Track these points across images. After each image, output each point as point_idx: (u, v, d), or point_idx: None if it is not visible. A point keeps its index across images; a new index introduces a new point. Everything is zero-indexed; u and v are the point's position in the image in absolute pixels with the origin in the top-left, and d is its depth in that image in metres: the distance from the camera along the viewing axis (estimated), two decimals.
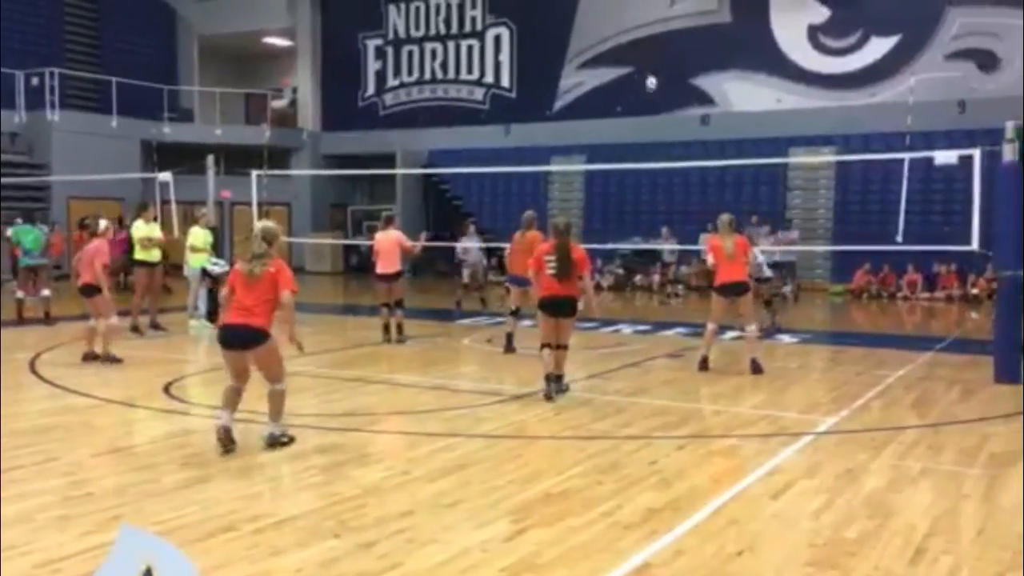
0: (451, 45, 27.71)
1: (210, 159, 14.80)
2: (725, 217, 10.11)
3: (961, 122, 20.15)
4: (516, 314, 11.61)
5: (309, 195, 28.53)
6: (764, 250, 14.02)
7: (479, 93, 27.40)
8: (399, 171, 26.30)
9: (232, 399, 6.68)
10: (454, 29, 27.56)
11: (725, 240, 9.90)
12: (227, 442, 6.48)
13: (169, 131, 26.35)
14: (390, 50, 28.67)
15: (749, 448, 6.89)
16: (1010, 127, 9.27)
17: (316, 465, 6.24)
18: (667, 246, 21.30)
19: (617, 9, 25.05)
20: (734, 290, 9.88)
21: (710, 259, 10.12)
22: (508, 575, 4.36)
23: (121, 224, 21.93)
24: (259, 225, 7.01)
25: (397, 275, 12.46)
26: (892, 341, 12.34)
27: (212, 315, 14.05)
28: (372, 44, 28.90)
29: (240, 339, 6.58)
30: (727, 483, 5.90)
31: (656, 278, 22.25)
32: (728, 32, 23.64)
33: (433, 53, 27.97)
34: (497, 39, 27.00)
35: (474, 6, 27.27)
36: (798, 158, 22.20)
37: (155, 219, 13.90)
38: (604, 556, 4.63)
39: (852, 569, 4.45)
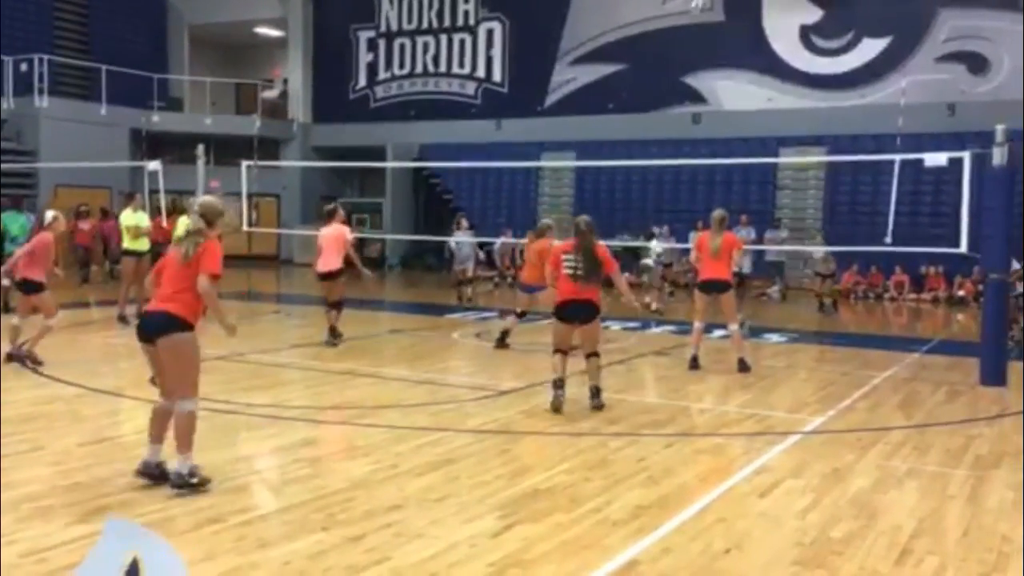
0: (443, 39, 27.63)
1: (200, 148, 14.72)
2: (717, 214, 10.08)
3: (951, 125, 20.23)
4: (522, 316, 11.41)
5: (298, 187, 28.44)
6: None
7: (471, 87, 27.36)
8: (389, 164, 26.24)
9: (157, 425, 5.50)
10: (446, 23, 27.48)
11: (713, 237, 9.90)
12: (151, 481, 5.34)
13: (158, 120, 26.21)
14: (382, 42, 28.57)
15: (736, 447, 6.91)
16: (1000, 131, 9.31)
17: (303, 458, 6.23)
18: (655, 244, 21.31)
19: (610, 6, 25.03)
20: (716, 287, 9.91)
21: (694, 255, 10.17)
22: (496, 570, 4.37)
23: (105, 214, 21.87)
24: (200, 199, 5.92)
25: (337, 273, 11.33)
26: (878, 342, 12.40)
27: None
28: (364, 36, 28.80)
29: (151, 327, 5.45)
30: (714, 481, 5.93)
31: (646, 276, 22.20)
32: (721, 31, 23.65)
33: (425, 46, 27.89)
34: (490, 33, 26.95)
35: (467, 0, 27.22)
36: (788, 158, 22.26)
37: (143, 208, 13.84)
38: (591, 553, 4.64)
39: (838, 569, 4.48)
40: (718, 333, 12.05)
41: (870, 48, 22.25)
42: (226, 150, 23.72)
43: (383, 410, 7.87)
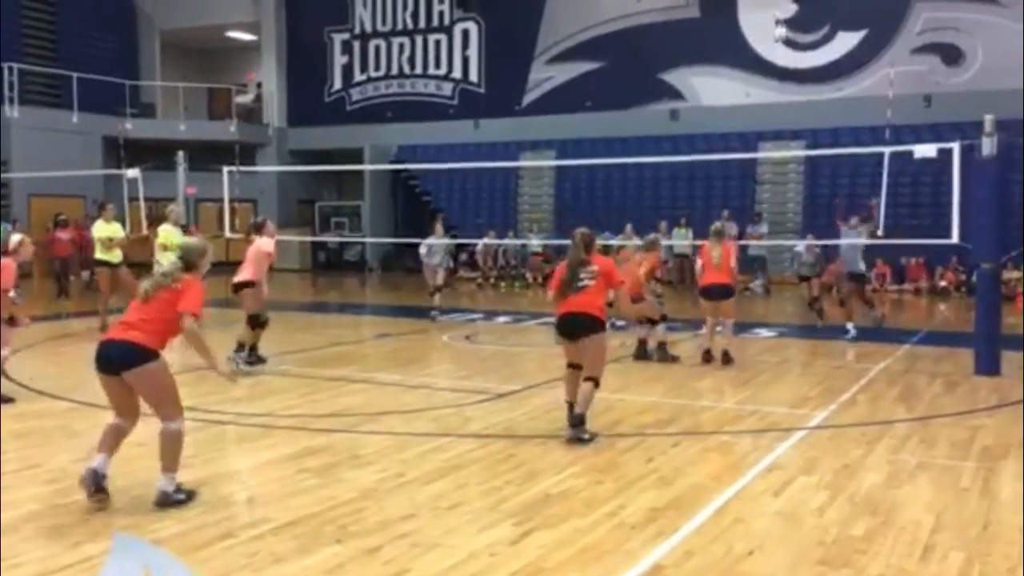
0: (419, 39, 27.49)
1: (180, 155, 14.51)
2: (715, 227, 10.71)
3: (927, 116, 20.39)
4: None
5: (276, 191, 28.12)
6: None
7: (447, 88, 27.23)
8: (367, 167, 26.06)
9: (108, 440, 5.34)
10: (421, 23, 27.34)
11: (713, 248, 10.45)
12: (94, 491, 5.18)
13: (131, 127, 25.85)
14: (357, 44, 28.38)
15: (743, 444, 6.86)
16: (989, 120, 9.34)
17: (308, 468, 6.10)
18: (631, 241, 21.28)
19: (586, 4, 25.02)
20: (718, 292, 10.38)
21: (698, 264, 10.83)
22: None
23: (73, 224, 21.50)
24: (186, 241, 6.10)
25: (244, 285, 10.03)
26: (867, 334, 12.39)
27: None
28: (338, 38, 28.59)
29: (114, 359, 5.25)
30: (727, 481, 5.87)
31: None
32: (697, 27, 23.69)
33: (400, 47, 27.73)
34: (465, 34, 26.84)
35: (441, 1, 27.08)
36: (767, 152, 22.32)
37: (116, 219, 13.63)
38: (614, 558, 4.56)
39: (864, 567, 4.43)
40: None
41: (846, 41, 22.37)
42: (200, 156, 23.45)
43: (382, 416, 7.75)
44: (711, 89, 23.71)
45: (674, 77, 24.20)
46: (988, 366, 9.41)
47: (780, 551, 4.66)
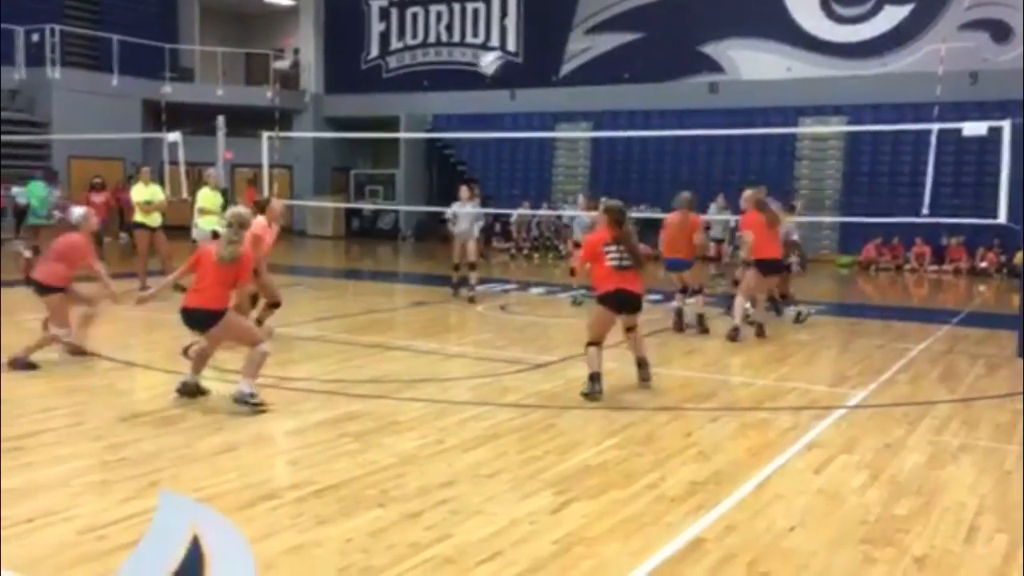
0: (456, 8, 27.32)
1: (220, 120, 14.57)
2: (754, 194, 10.50)
3: (973, 93, 19.99)
4: (685, 292, 10.96)
5: (311, 158, 28.27)
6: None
7: (480, 61, 27.02)
8: (402, 135, 26.04)
9: (201, 361, 6.99)
10: None
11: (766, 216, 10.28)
12: (190, 395, 6.82)
13: (170, 91, 25.97)
14: (394, 11, 28.26)
15: (783, 421, 6.82)
16: None
17: (349, 433, 6.15)
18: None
19: None
20: (773, 267, 10.32)
21: (749, 235, 10.24)
22: (560, 548, 4.30)
23: (111, 188, 21.70)
24: (232, 211, 7.05)
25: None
26: (907, 314, 12.27)
27: None
28: (376, 5, 28.49)
29: (197, 324, 6.78)
30: (767, 457, 5.84)
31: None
32: None
33: (438, 15, 27.58)
34: (504, 2, 26.62)
35: None
36: (807, 128, 22.01)
37: (154, 181, 13.75)
38: (654, 530, 4.57)
39: (908, 547, 4.40)
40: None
41: (892, 15, 21.94)
42: (237, 121, 23.53)
43: (420, 384, 7.80)
44: (751, 63, 23.38)
45: (714, 50, 23.89)
46: None
47: (822, 528, 4.65)
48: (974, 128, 9.74)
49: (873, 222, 18.88)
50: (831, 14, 22.64)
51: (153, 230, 13.29)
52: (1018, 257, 16.85)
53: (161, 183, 14.64)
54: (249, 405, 6.54)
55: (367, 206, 27.54)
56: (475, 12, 27.05)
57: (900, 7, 21.83)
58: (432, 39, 27.80)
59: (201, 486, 5.00)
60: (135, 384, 7.61)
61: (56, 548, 4.11)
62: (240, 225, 6.85)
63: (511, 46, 26.69)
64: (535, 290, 15.52)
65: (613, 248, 7.50)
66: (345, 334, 10.26)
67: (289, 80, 29.08)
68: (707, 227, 17.69)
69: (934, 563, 4.22)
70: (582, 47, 25.53)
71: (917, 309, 12.41)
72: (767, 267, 10.27)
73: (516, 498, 4.97)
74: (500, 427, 6.44)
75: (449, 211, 14.15)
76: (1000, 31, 20.88)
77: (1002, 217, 9.71)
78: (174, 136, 14.33)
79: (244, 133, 17.58)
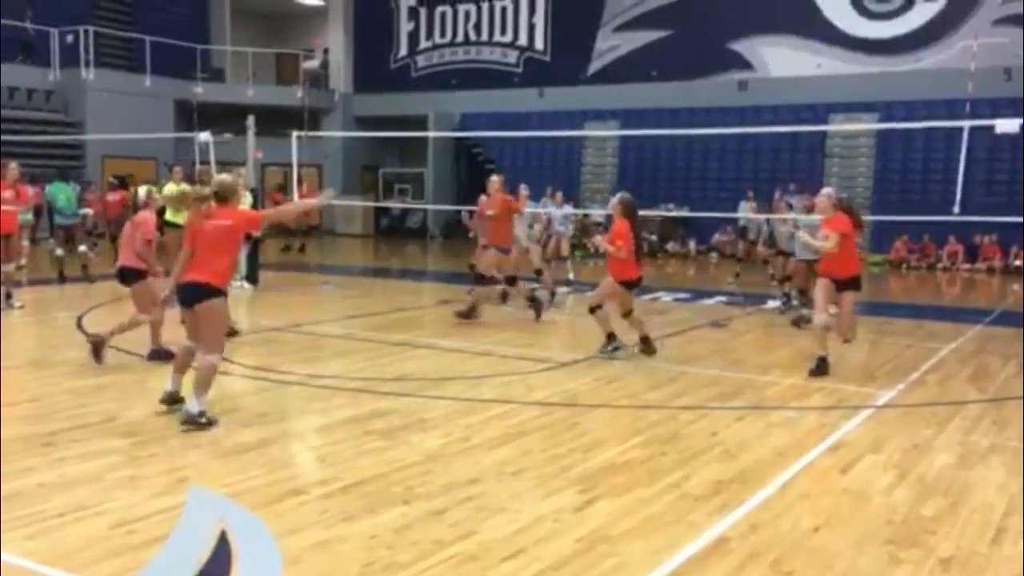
0: (485, 6, 27.36)
1: (250, 119, 14.72)
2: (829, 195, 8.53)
3: (1007, 89, 19.70)
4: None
5: (340, 157, 28.43)
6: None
7: (513, 56, 27.10)
8: (431, 134, 26.13)
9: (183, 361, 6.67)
10: None
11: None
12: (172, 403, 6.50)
13: (201, 91, 26.27)
14: (423, 11, 28.36)
15: (810, 421, 6.79)
16: None
17: (375, 430, 6.20)
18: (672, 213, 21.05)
19: None
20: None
21: (831, 241, 8.15)
22: (584, 546, 4.31)
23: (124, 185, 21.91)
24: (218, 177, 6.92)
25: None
26: (938, 313, 12.14)
27: (252, 277, 14.09)
28: (405, 4, 28.60)
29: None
30: (792, 456, 5.82)
31: (692, 245, 22.17)
32: None
33: (467, 14, 27.64)
34: (532, 1, 26.63)
35: None
36: (838, 125, 21.82)
37: (186, 181, 13.89)
38: (678, 528, 4.57)
39: (934, 547, 4.37)
40: (771, 304, 11.93)
41: (924, 11, 21.69)
42: (266, 121, 23.72)
43: (446, 382, 7.84)
44: (781, 59, 23.22)
45: (743, 47, 23.75)
46: None
47: (847, 528, 4.63)
48: (1007, 125, 9.61)
49: (904, 220, 18.68)
50: (863, 10, 22.43)
51: (183, 228, 13.42)
52: None
53: (191, 183, 14.78)
54: (197, 424, 6.00)
55: (395, 205, 27.67)
56: (503, 11, 27.08)
57: (933, 3, 21.58)
58: (460, 38, 27.87)
59: (229, 482, 5.06)
60: (165, 381, 7.69)
61: (87, 542, 4.19)
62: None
63: (539, 44, 26.69)
64: (562, 288, 15.50)
65: (633, 237, 8.69)
66: (372, 332, 10.33)
67: (318, 80, 29.28)
68: (741, 229, 17.62)
69: (960, 564, 4.19)
70: (610, 45, 25.48)
71: (948, 308, 12.27)
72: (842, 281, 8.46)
73: (540, 496, 4.99)
74: (525, 425, 6.47)
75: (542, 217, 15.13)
76: None
77: None
78: (205, 136, 14.47)
79: (274, 133, 17.72)
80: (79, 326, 9.58)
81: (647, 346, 8.90)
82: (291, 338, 9.56)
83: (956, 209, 10.50)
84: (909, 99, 20.94)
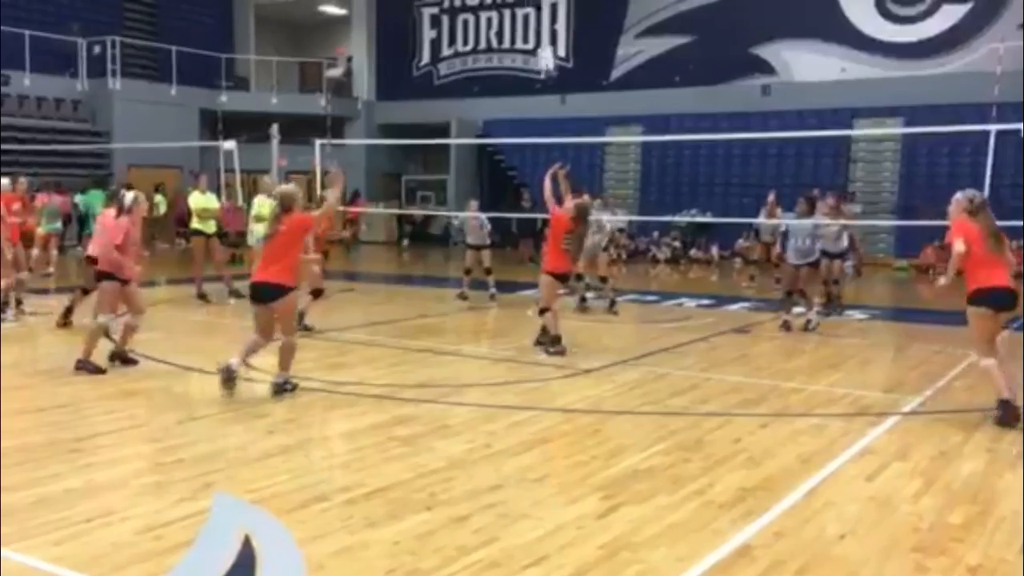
0: (507, 14, 27.43)
1: (275, 128, 14.82)
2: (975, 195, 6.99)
3: None
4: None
5: (363, 165, 28.54)
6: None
7: (535, 63, 27.11)
8: (453, 141, 26.19)
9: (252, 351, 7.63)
10: None
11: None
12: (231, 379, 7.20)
13: (226, 100, 26.49)
14: (445, 19, 28.47)
15: (835, 428, 6.73)
16: None
17: (398, 436, 6.22)
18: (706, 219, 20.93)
19: None
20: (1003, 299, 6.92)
21: (961, 244, 6.75)
22: (606, 553, 4.30)
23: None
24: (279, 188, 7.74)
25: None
26: (964, 319, 11.92)
27: None
28: (427, 12, 28.72)
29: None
30: (817, 463, 5.77)
31: (715, 251, 22.08)
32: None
33: (489, 22, 27.72)
34: (554, 8, 26.67)
35: None
36: (863, 130, 21.68)
37: (211, 190, 14.03)
38: (702, 536, 4.55)
39: (961, 556, 4.32)
40: (797, 310, 11.83)
41: (950, 14, 21.52)
42: (290, 129, 23.89)
43: (469, 388, 7.85)
44: (805, 64, 23.11)
45: (766, 51, 23.66)
46: None
47: (873, 536, 4.58)
48: None
49: (931, 225, 18.49)
50: (887, 14, 22.29)
51: (208, 236, 13.55)
52: None
53: (217, 191, 14.94)
54: (285, 390, 7.25)
55: (418, 212, 27.75)
56: (525, 18, 27.13)
57: (958, 6, 21.42)
58: (483, 45, 27.94)
59: (254, 488, 5.09)
60: (191, 388, 7.77)
61: (113, 547, 4.23)
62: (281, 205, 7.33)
63: (561, 51, 26.71)
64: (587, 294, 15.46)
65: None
66: (395, 338, 10.36)
67: (342, 88, 29.44)
68: (756, 230, 17.54)
69: (988, 573, 4.15)
70: (633, 51, 25.47)
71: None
72: (994, 300, 6.97)
73: (563, 503, 4.98)
74: (548, 432, 6.46)
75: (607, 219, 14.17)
76: None
77: None
78: (229, 144, 14.59)
79: (297, 140, 17.84)
80: (107, 334, 9.64)
81: (557, 346, 9.33)
82: (313, 344, 9.60)
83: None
84: (934, 103, 20.74)
